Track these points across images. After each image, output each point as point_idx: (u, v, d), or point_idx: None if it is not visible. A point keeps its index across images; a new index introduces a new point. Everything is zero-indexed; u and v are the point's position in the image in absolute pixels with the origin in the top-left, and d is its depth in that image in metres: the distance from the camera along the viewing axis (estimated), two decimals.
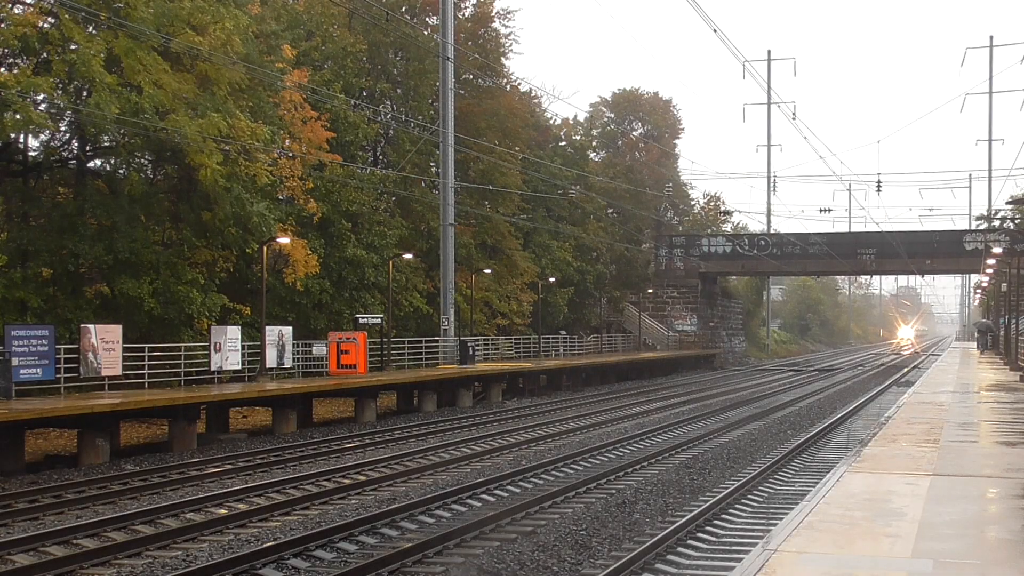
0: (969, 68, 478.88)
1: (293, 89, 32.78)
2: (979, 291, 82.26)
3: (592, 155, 67.23)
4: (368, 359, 32.65)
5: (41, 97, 24.65)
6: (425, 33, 46.76)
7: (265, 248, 28.38)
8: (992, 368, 40.13)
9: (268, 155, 29.81)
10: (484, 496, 16.45)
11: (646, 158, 70.73)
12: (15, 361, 21.32)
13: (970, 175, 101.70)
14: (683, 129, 77.80)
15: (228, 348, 27.21)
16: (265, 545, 12.41)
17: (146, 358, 25.88)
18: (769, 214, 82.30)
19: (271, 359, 28.88)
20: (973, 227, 76.48)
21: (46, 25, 25.90)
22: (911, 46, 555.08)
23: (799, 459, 21.33)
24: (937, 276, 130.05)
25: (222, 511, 15.20)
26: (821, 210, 76.12)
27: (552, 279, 52.06)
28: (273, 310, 32.68)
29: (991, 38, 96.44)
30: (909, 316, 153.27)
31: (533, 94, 57.74)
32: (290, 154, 32.19)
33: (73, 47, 25.10)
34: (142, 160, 30.74)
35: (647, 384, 49.40)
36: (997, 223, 68.19)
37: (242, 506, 15.62)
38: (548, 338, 51.73)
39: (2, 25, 25.17)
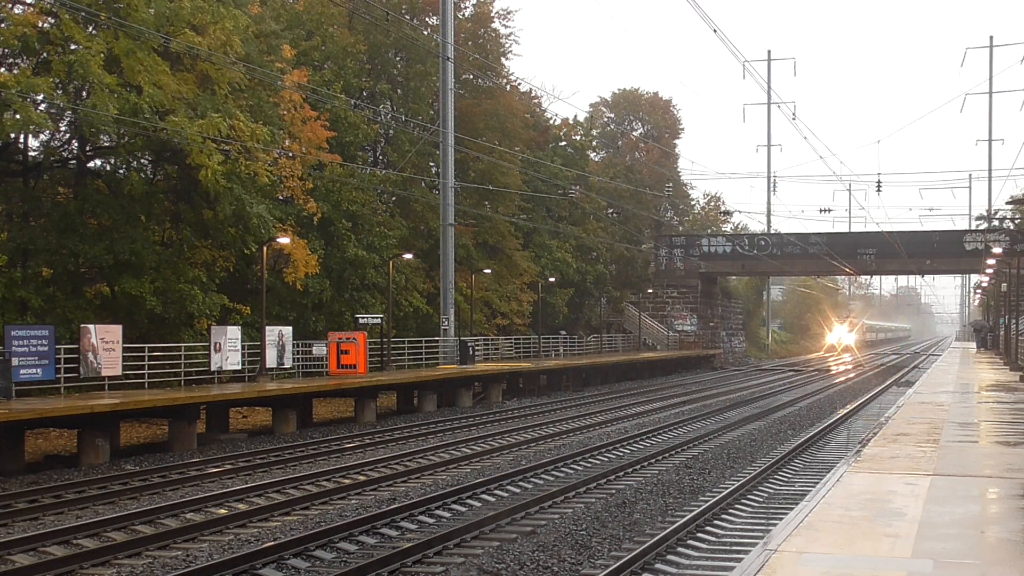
0: (969, 68, 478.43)
1: (293, 89, 32.76)
2: (979, 291, 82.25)
3: (592, 155, 67.20)
4: (368, 359, 32.66)
5: (41, 97, 24.64)
6: (425, 33, 46.75)
7: (265, 248, 28.39)
8: (992, 368, 40.09)
9: (268, 155, 29.81)
10: (484, 496, 16.45)
11: (646, 158, 70.75)
12: (15, 361, 21.32)
13: (970, 175, 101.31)
14: (683, 129, 77.95)
15: (228, 348, 27.23)
16: (265, 545, 12.41)
17: (146, 358, 25.90)
18: (769, 214, 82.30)
19: (271, 359, 28.89)
20: (973, 227, 76.45)
21: (46, 25, 25.89)
22: (911, 46, 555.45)
23: (799, 459, 21.33)
24: (937, 276, 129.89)
25: (222, 511, 15.21)
26: (821, 210, 75.98)
27: (552, 279, 52.05)
28: (273, 310, 32.69)
29: (991, 38, 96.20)
30: (872, 310, 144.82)
31: (533, 94, 57.78)
32: (290, 154, 32.18)
33: (73, 47, 25.09)
34: (142, 160, 30.74)
35: (647, 384, 49.39)
36: (997, 223, 68.20)
37: (242, 506, 15.62)
38: (548, 338, 51.72)
39: (2, 25, 25.17)
